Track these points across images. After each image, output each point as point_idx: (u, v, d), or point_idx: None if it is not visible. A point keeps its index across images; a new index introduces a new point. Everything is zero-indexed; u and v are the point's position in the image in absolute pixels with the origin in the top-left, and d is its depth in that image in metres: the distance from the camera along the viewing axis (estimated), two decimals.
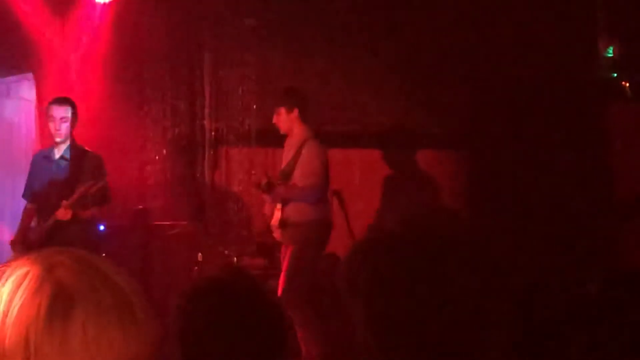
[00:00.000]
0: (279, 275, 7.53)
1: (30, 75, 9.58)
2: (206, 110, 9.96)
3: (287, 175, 7.61)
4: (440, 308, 1.82)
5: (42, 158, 7.53)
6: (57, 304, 1.37)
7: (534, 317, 2.47)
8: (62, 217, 7.18)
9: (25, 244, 7.33)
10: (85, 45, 9.70)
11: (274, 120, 7.73)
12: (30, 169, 7.63)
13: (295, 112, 7.65)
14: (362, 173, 9.20)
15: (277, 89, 8.29)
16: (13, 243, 7.45)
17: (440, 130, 9.43)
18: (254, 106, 9.48)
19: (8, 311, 1.38)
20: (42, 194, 7.44)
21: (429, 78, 9.35)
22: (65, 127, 7.30)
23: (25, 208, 7.64)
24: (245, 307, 2.47)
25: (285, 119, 7.66)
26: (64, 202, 7.17)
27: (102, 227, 7.91)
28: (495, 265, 1.90)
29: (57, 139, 7.35)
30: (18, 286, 1.40)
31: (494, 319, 1.86)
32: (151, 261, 8.83)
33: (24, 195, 7.64)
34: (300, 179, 7.53)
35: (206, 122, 9.96)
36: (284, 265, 7.51)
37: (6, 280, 1.42)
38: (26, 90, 9.46)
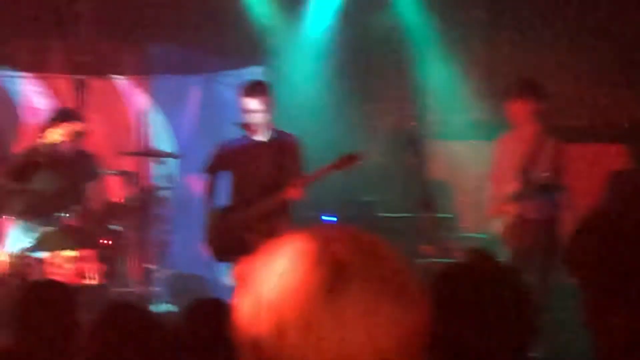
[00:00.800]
0: None
1: (259, 68, 9.85)
2: (428, 103, 9.97)
3: (527, 171, 7.38)
4: None
5: (237, 138, 7.53)
6: (334, 279, 1.39)
7: None
8: (294, 195, 7.22)
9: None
10: (313, 39, 9.89)
11: (508, 108, 7.49)
12: (220, 148, 7.65)
13: (533, 105, 7.42)
14: (590, 168, 8.95)
15: (504, 82, 8.16)
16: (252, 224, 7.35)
17: None
18: (480, 98, 9.40)
19: (285, 284, 1.42)
20: (240, 174, 7.45)
21: None
22: (259, 117, 7.35)
23: (208, 183, 7.66)
24: (495, 291, 2.43)
25: (521, 110, 7.45)
26: (296, 182, 7.22)
27: (331, 218, 7.97)
28: None
29: (254, 128, 7.41)
30: (295, 260, 1.43)
31: None
32: None
33: (207, 170, 7.65)
34: (547, 175, 7.31)
35: (430, 115, 9.97)
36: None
37: (283, 253, 1.46)
38: None
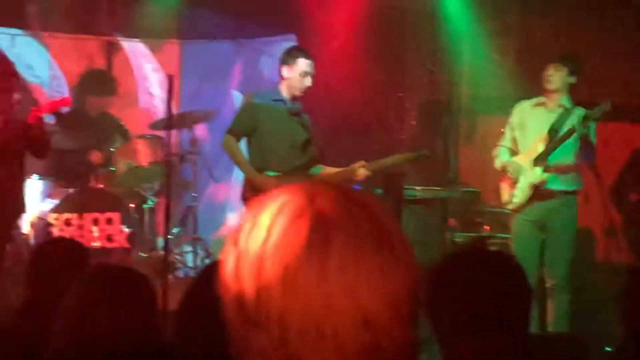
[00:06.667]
0: None
1: (292, 36, 9.78)
2: (463, 77, 9.87)
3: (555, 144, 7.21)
4: None
5: (272, 102, 7.04)
6: (316, 232, 1.36)
7: None
8: (361, 177, 7.12)
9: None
10: (347, 9, 9.80)
11: (549, 74, 7.20)
12: (246, 106, 7.25)
13: (572, 79, 7.23)
14: (619, 147, 8.80)
15: (539, 59, 8.00)
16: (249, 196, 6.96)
17: None
18: (514, 74, 9.27)
19: (268, 238, 1.38)
20: (273, 142, 7.02)
21: None
22: (308, 81, 6.98)
23: (234, 145, 7.11)
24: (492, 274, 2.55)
25: (560, 80, 7.21)
26: (365, 164, 7.12)
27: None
28: None
29: (298, 93, 7.04)
30: (279, 214, 1.39)
31: None
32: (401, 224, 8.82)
33: (231, 132, 7.07)
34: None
35: (463, 89, 9.87)
36: None
37: (267, 207, 1.41)
38: None
